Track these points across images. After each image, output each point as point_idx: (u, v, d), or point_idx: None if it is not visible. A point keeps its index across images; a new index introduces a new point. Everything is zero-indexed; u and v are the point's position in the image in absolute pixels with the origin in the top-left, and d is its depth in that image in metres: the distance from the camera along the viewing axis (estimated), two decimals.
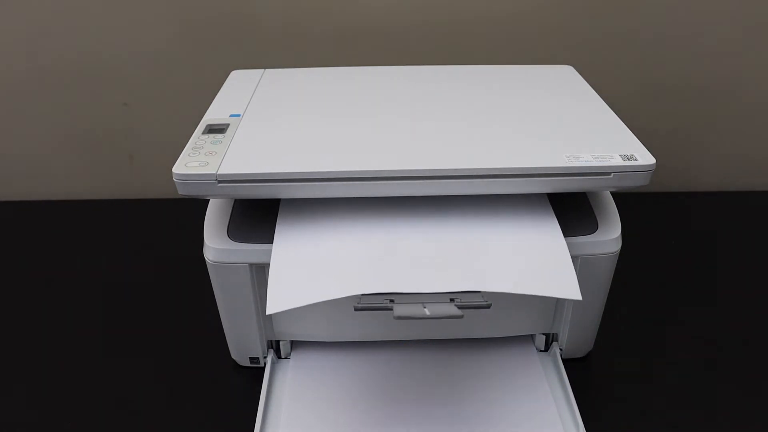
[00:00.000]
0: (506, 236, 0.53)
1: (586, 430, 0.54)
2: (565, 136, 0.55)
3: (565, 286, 0.49)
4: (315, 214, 0.55)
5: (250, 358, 0.63)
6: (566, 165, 0.51)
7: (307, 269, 0.50)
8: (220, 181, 0.50)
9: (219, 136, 0.56)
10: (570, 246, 0.54)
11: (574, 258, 0.54)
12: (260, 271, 0.56)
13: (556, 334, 0.63)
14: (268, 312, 0.47)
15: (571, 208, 0.58)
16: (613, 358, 0.65)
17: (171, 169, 0.51)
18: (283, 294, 0.48)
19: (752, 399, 0.61)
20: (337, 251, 0.51)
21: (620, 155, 0.52)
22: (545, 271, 0.50)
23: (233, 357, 0.64)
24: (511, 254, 0.51)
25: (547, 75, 0.70)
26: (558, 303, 0.61)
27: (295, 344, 0.64)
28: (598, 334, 0.64)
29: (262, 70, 0.72)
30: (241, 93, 0.65)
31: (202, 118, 0.60)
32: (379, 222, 0.54)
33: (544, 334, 0.63)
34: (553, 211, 0.56)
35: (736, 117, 0.93)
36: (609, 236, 0.56)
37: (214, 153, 0.53)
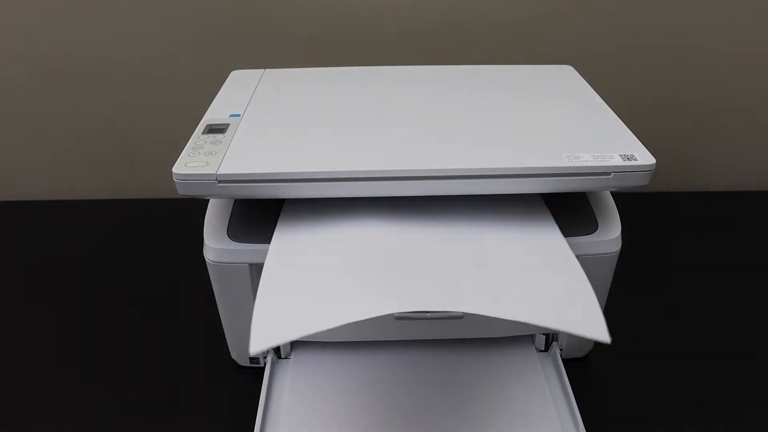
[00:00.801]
0: (515, 252, 0.52)
1: (586, 430, 0.54)
2: (565, 136, 0.55)
3: (593, 325, 0.45)
4: (312, 224, 0.55)
5: (250, 358, 0.63)
6: (566, 165, 0.51)
7: (299, 296, 0.47)
8: (220, 181, 0.50)
9: (219, 136, 0.56)
10: (570, 246, 0.54)
11: None
12: (260, 271, 0.56)
13: (556, 334, 0.63)
14: (251, 352, 0.42)
15: (571, 208, 0.58)
16: (613, 358, 0.65)
17: (171, 169, 0.51)
18: (270, 328, 0.44)
19: (752, 399, 0.61)
20: (333, 270, 0.49)
21: (620, 155, 0.52)
22: (566, 302, 0.47)
23: (233, 357, 0.64)
24: (524, 276, 0.49)
25: (547, 75, 0.70)
26: None
27: (295, 344, 0.64)
28: None
29: (262, 70, 0.72)
30: (241, 93, 0.65)
31: (202, 118, 0.60)
32: (380, 229, 0.54)
33: (544, 334, 0.63)
34: (561, 233, 0.54)
35: (737, 117, 0.93)
36: (609, 236, 0.56)
37: (214, 153, 0.53)
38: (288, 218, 0.56)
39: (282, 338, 0.44)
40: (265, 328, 0.45)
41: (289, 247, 0.53)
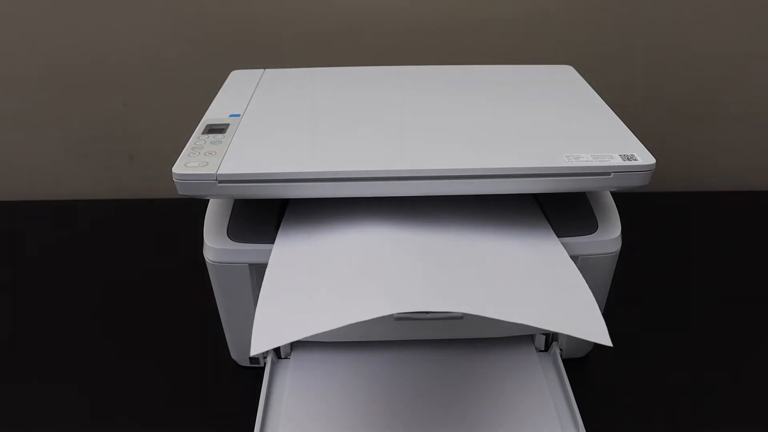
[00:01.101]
0: (513, 254, 0.52)
1: (586, 430, 0.54)
2: (564, 136, 0.55)
3: (594, 330, 0.46)
4: (313, 225, 0.55)
5: (250, 358, 0.63)
6: (566, 165, 0.51)
7: (301, 297, 0.47)
8: (220, 181, 0.50)
9: (219, 136, 0.56)
10: (570, 246, 0.54)
11: (574, 258, 0.54)
12: (260, 271, 0.56)
13: (556, 334, 0.63)
14: (253, 353, 0.43)
15: (571, 208, 0.58)
16: (613, 358, 0.65)
17: (171, 169, 0.51)
18: (272, 329, 0.45)
19: (752, 399, 0.61)
20: (334, 271, 0.50)
21: (620, 155, 0.52)
22: (567, 305, 0.48)
23: (233, 357, 0.64)
24: (523, 278, 0.50)
25: (547, 75, 0.70)
26: None
27: (295, 344, 0.64)
28: None
29: (262, 70, 0.72)
30: (241, 93, 0.65)
31: (202, 118, 0.60)
32: (380, 230, 0.54)
33: (543, 334, 0.63)
34: (556, 236, 0.55)
35: (736, 117, 0.93)
36: (609, 236, 0.56)
37: (213, 153, 0.53)
38: (291, 220, 0.56)
39: (283, 339, 0.44)
40: (267, 329, 0.45)
41: (292, 249, 0.53)
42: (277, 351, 0.63)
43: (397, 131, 0.56)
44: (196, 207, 0.60)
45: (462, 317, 0.57)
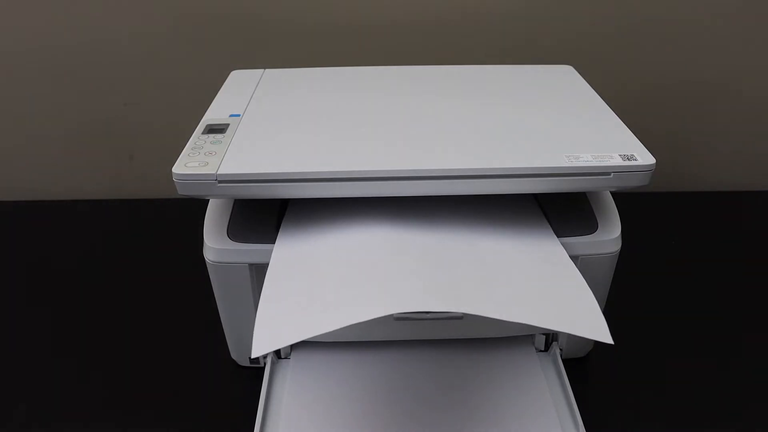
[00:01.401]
0: (512, 254, 0.52)
1: (585, 430, 0.54)
2: (564, 136, 0.55)
3: (594, 326, 0.46)
4: (314, 226, 0.55)
5: (250, 358, 0.63)
6: (566, 165, 0.51)
7: (301, 298, 0.47)
8: (220, 181, 0.50)
9: (219, 136, 0.56)
10: (570, 246, 0.54)
11: (574, 258, 0.54)
12: (260, 271, 0.56)
13: (556, 334, 0.63)
14: (254, 355, 0.43)
15: (571, 208, 0.58)
16: (613, 358, 0.65)
17: (171, 169, 0.51)
18: (273, 331, 0.45)
19: (751, 400, 0.61)
20: (334, 272, 0.50)
21: (620, 155, 0.52)
22: (567, 304, 0.48)
23: (233, 357, 0.64)
24: (524, 278, 0.50)
25: (547, 75, 0.70)
26: None
27: (295, 344, 0.64)
28: None
29: (262, 70, 0.72)
30: (241, 93, 0.65)
31: (202, 118, 0.60)
32: (380, 230, 0.54)
33: (543, 334, 0.63)
34: (556, 236, 0.55)
35: (736, 117, 0.93)
36: (609, 236, 0.56)
37: (213, 153, 0.53)
38: (291, 220, 0.56)
39: (284, 341, 0.44)
40: (268, 331, 0.45)
41: (292, 250, 0.53)
42: (277, 351, 0.63)
43: (397, 131, 0.56)
44: (196, 207, 0.60)
45: (462, 317, 0.57)
